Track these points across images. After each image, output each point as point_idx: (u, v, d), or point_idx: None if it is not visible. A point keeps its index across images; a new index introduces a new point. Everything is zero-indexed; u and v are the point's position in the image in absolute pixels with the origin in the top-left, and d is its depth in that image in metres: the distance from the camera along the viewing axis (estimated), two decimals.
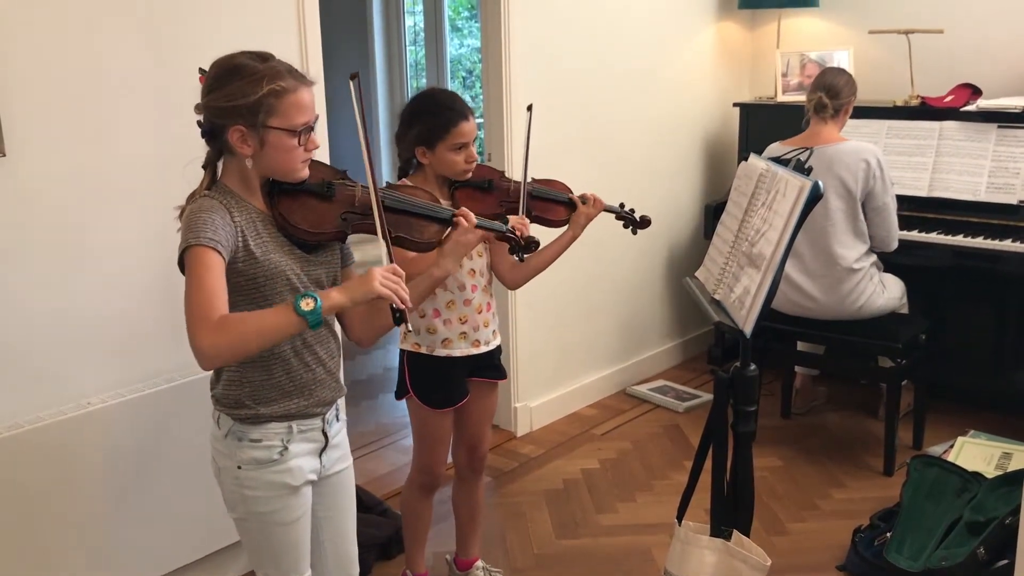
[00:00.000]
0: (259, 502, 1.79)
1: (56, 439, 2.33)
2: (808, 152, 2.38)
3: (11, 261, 2.30)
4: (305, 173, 1.77)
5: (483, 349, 2.50)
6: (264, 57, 1.71)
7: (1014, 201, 3.58)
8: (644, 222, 2.56)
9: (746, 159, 2.55)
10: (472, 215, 1.95)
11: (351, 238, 1.87)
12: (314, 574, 1.93)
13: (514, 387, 3.84)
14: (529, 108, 2.48)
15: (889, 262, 3.60)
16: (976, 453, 3.18)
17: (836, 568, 2.87)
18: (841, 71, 3.56)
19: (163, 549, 2.56)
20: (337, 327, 1.94)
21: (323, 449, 1.88)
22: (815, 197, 2.05)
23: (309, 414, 1.83)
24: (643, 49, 4.18)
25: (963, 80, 3.95)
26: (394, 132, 2.52)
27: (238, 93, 1.66)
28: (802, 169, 2.23)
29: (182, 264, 1.63)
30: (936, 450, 3.38)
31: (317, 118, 1.77)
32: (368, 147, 1.77)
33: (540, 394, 3.98)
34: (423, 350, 2.44)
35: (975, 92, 3.90)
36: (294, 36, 2.80)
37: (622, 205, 2.55)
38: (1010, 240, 3.53)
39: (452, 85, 6.67)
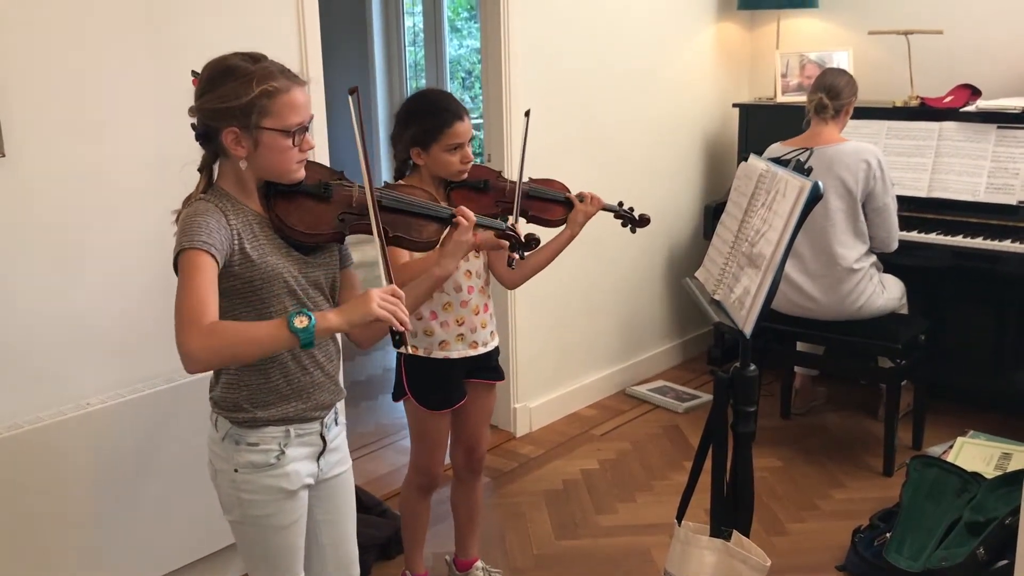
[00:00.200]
0: (255, 505, 1.78)
1: (55, 440, 2.33)
2: (808, 152, 2.38)
3: (10, 262, 2.30)
4: (301, 174, 1.76)
5: (481, 350, 2.49)
6: (256, 58, 1.71)
7: (1013, 202, 3.58)
8: (643, 220, 2.55)
9: (746, 160, 2.55)
10: (471, 214, 1.94)
11: (351, 239, 1.86)
12: None
13: (513, 387, 3.84)
14: (527, 113, 2.47)
15: (889, 262, 3.60)
16: (975, 453, 3.18)
17: (836, 568, 2.87)
18: (842, 72, 3.56)
19: (161, 550, 2.56)
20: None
21: (321, 453, 1.87)
22: (815, 198, 2.05)
23: (307, 418, 1.82)
24: (643, 50, 4.18)
25: (962, 81, 3.95)
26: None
27: (230, 95, 1.66)
28: (802, 170, 2.23)
29: (176, 267, 1.62)
30: (936, 450, 3.38)
31: (312, 118, 1.76)
32: (367, 161, 1.75)
33: (540, 394, 3.98)
34: (420, 352, 2.44)
35: (974, 93, 3.90)
36: (294, 37, 2.80)
37: (621, 204, 2.55)
38: (1009, 240, 3.53)
39: (451, 86, 6.68)
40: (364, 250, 2.45)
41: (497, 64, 3.58)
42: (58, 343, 2.40)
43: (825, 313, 3.49)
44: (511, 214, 2.35)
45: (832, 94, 3.43)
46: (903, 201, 3.58)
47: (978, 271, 3.67)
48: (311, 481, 1.85)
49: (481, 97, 3.77)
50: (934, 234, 3.68)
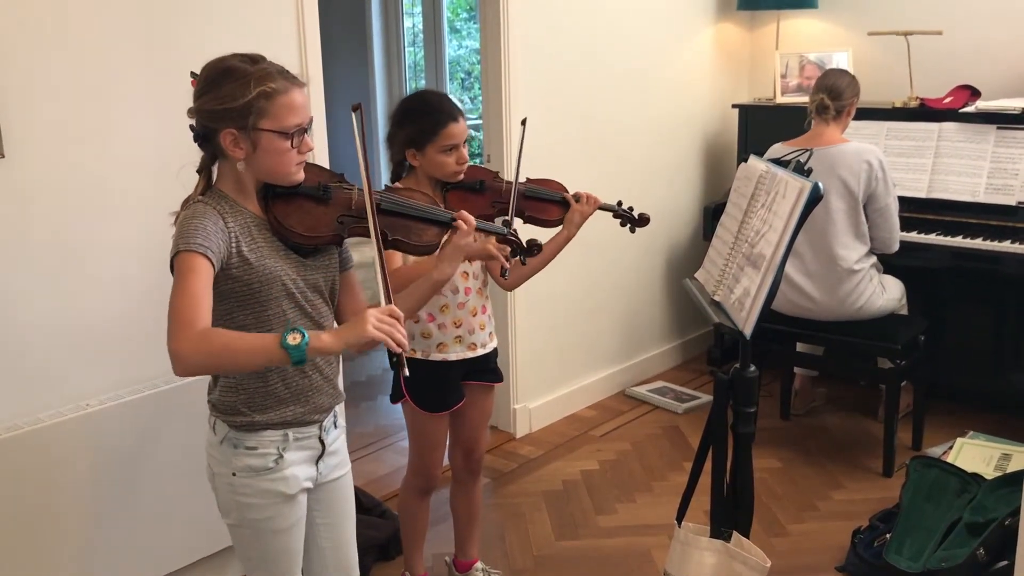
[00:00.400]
0: (253, 509, 1.78)
1: (55, 441, 2.33)
2: (808, 153, 2.38)
3: (10, 263, 2.30)
4: (300, 176, 1.76)
5: (479, 352, 2.49)
6: (255, 59, 1.70)
7: (1013, 202, 3.58)
8: (643, 220, 2.54)
9: (745, 160, 2.54)
10: (472, 218, 1.92)
11: (352, 239, 1.86)
12: None
13: (513, 388, 3.84)
14: (523, 122, 2.47)
15: (888, 263, 3.60)
16: (975, 454, 3.18)
17: (835, 569, 2.87)
18: (844, 72, 3.56)
19: (160, 551, 2.56)
20: None
21: (320, 456, 1.86)
22: (815, 198, 2.05)
23: (306, 421, 1.81)
24: (642, 50, 4.18)
25: (962, 81, 3.95)
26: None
27: (228, 96, 1.65)
28: (802, 170, 2.23)
29: (172, 269, 1.61)
30: (935, 451, 3.38)
31: (311, 120, 1.76)
32: (368, 175, 1.74)
33: (539, 395, 3.98)
34: (418, 355, 2.43)
35: (974, 93, 3.90)
36: (293, 38, 2.80)
37: (620, 203, 2.54)
38: (1009, 241, 3.53)
39: (451, 86, 6.67)
40: (363, 251, 2.45)
41: (496, 65, 3.58)
42: (57, 344, 2.40)
43: (825, 314, 3.49)
44: (506, 215, 2.34)
45: (834, 95, 3.42)
46: (902, 202, 3.58)
47: (978, 272, 3.67)
48: (310, 485, 1.85)
49: (480, 98, 3.76)
50: (934, 235, 3.68)
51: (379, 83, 6.55)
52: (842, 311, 3.46)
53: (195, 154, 1.77)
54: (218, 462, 1.79)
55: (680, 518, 2.45)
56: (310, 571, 1.94)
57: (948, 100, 3.92)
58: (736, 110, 4.47)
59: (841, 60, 4.29)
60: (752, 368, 2.27)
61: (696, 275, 2.62)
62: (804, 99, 4.27)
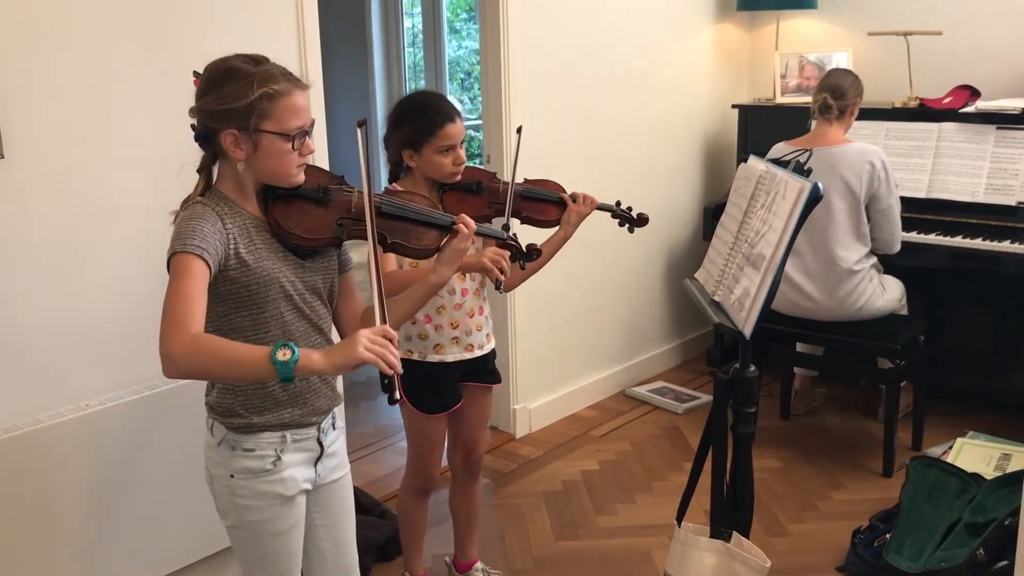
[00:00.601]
0: (251, 511, 1.77)
1: (54, 441, 2.33)
2: (808, 153, 2.38)
3: (10, 263, 2.30)
4: (300, 178, 1.75)
5: (476, 353, 2.49)
6: (258, 60, 1.70)
7: (1013, 202, 3.58)
8: (641, 220, 2.53)
9: (745, 161, 2.54)
10: (472, 222, 1.91)
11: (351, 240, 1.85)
12: None
13: (513, 388, 3.84)
14: (519, 130, 2.47)
15: (888, 263, 3.60)
16: (975, 454, 3.18)
17: (836, 569, 2.87)
18: (847, 72, 3.54)
19: (159, 552, 2.56)
20: (334, 334, 1.92)
21: (318, 458, 1.86)
22: (815, 198, 2.05)
23: (304, 423, 1.81)
24: (642, 50, 4.18)
25: (961, 81, 3.95)
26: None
27: (231, 96, 1.65)
28: (801, 170, 2.23)
29: (169, 271, 1.61)
30: (935, 451, 3.38)
31: (313, 122, 1.75)
32: (370, 197, 1.73)
33: (539, 395, 3.98)
34: (415, 356, 2.43)
35: (973, 93, 3.90)
36: (293, 38, 2.80)
37: (618, 203, 2.53)
38: (1008, 241, 3.53)
39: (450, 87, 6.67)
40: (362, 251, 2.45)
41: (496, 65, 3.58)
42: (57, 345, 2.40)
43: (825, 314, 3.48)
44: (502, 216, 2.34)
45: (837, 94, 3.41)
46: (902, 202, 3.58)
47: (977, 272, 3.67)
48: (308, 486, 1.84)
49: (480, 98, 3.76)
50: (933, 235, 3.68)
51: (379, 83, 6.55)
52: (842, 311, 3.46)
53: (195, 154, 1.77)
54: (216, 464, 1.79)
55: (680, 518, 2.45)
56: (310, 573, 1.94)
57: (948, 100, 3.92)
58: (736, 110, 4.47)
59: (841, 60, 4.29)
60: (752, 368, 2.27)
61: (696, 275, 2.62)
62: (804, 99, 4.29)
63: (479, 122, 3.83)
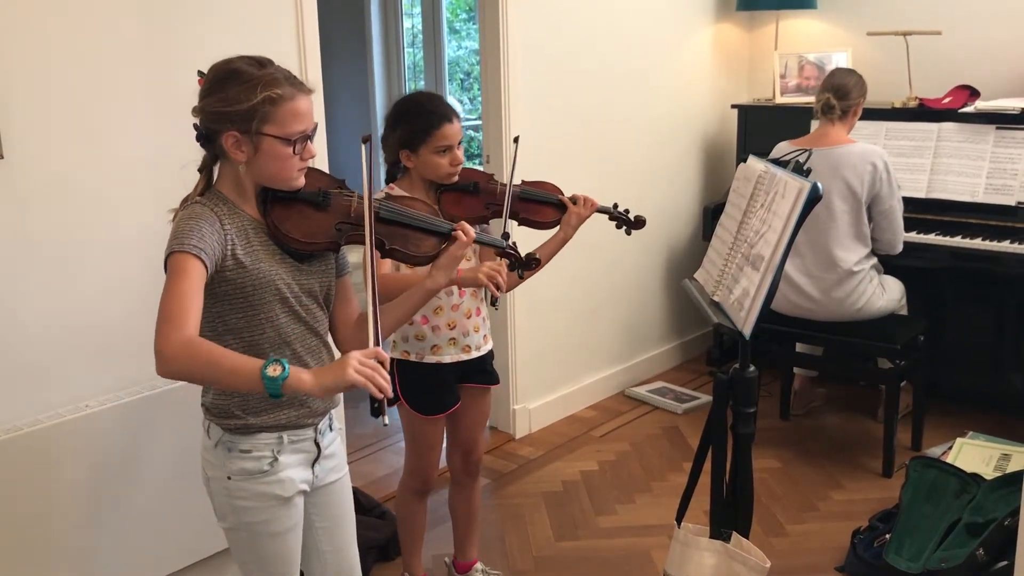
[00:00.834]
0: (249, 512, 1.77)
1: (53, 442, 2.33)
2: (807, 153, 2.38)
3: (10, 263, 2.30)
4: (300, 182, 1.75)
5: (474, 354, 2.49)
6: (262, 63, 1.69)
7: (1012, 202, 3.58)
8: (638, 222, 2.53)
9: (744, 161, 2.54)
10: (471, 230, 1.91)
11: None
12: None
13: (513, 389, 3.84)
14: (516, 139, 2.47)
15: (887, 263, 3.60)
16: (975, 454, 3.18)
17: (835, 570, 2.87)
18: (850, 71, 3.52)
19: (159, 552, 2.56)
20: (330, 338, 1.92)
21: (316, 459, 1.85)
22: (814, 198, 2.05)
23: (301, 425, 1.80)
24: (641, 51, 4.18)
25: (961, 81, 3.95)
26: None
27: (233, 98, 1.65)
28: (801, 170, 2.23)
29: (167, 270, 1.61)
30: (935, 451, 3.38)
31: (316, 127, 1.75)
32: (371, 208, 1.73)
33: (539, 396, 3.98)
34: (412, 357, 2.43)
35: (973, 93, 3.90)
36: (292, 38, 2.80)
37: (615, 206, 2.53)
38: (1008, 241, 3.53)
39: (450, 87, 6.67)
40: (360, 254, 2.45)
41: (496, 65, 3.58)
42: (56, 346, 2.40)
43: (824, 314, 3.48)
44: (500, 217, 2.34)
45: (840, 94, 3.40)
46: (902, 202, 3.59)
47: (977, 272, 3.67)
48: (306, 488, 1.84)
49: (480, 99, 3.76)
50: (933, 235, 3.68)
51: (378, 84, 6.54)
52: (842, 312, 3.46)
53: (195, 153, 1.77)
54: (213, 466, 1.79)
55: (680, 519, 2.45)
56: (311, 575, 1.94)
57: (947, 100, 3.92)
58: (735, 110, 4.46)
59: (840, 60, 4.29)
60: (751, 368, 2.26)
61: (695, 275, 2.62)
62: (803, 99, 4.30)
63: (479, 122, 3.83)
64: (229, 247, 1.67)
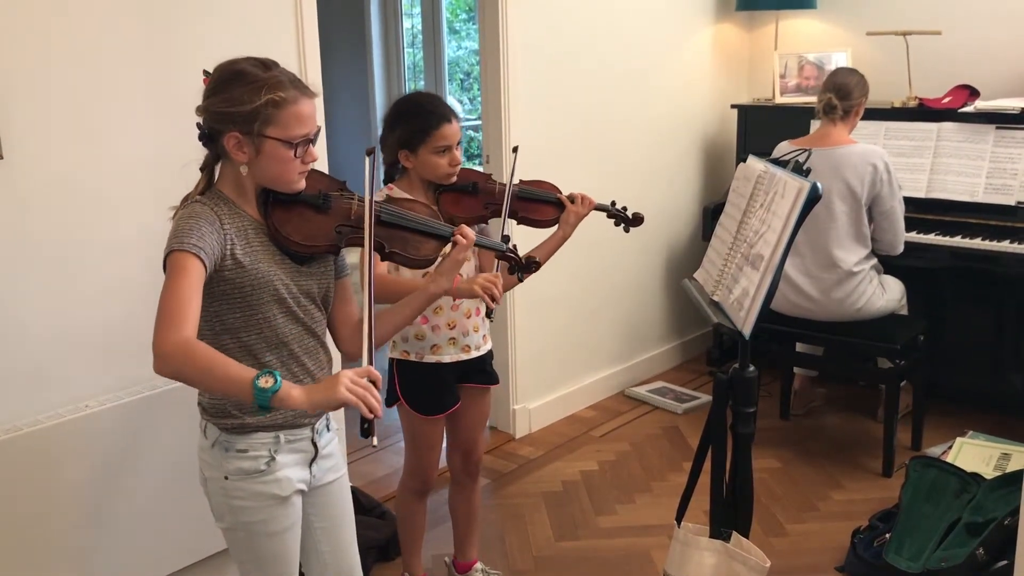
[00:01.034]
0: (246, 512, 1.77)
1: (53, 442, 2.33)
2: (807, 153, 2.38)
3: (10, 263, 2.30)
4: (301, 185, 1.75)
5: (473, 354, 2.49)
6: (267, 65, 1.69)
7: (1012, 202, 3.58)
8: (636, 219, 2.54)
9: (744, 161, 2.54)
10: (472, 233, 1.91)
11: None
12: None
13: (513, 389, 3.84)
14: (515, 150, 2.46)
15: (887, 263, 3.60)
16: (975, 454, 3.18)
17: (835, 569, 2.87)
18: (852, 71, 3.51)
19: (159, 552, 2.56)
20: (329, 338, 1.92)
21: (313, 459, 1.85)
22: (813, 198, 2.05)
23: (297, 424, 1.80)
24: (641, 51, 4.18)
25: (961, 81, 3.95)
26: None
27: (237, 100, 1.65)
28: (800, 170, 2.23)
29: (166, 268, 1.61)
30: (935, 451, 3.38)
31: (319, 130, 1.75)
32: (371, 219, 1.73)
33: (539, 396, 3.98)
34: (412, 357, 2.43)
35: (973, 93, 3.90)
36: (292, 38, 2.80)
37: (613, 203, 2.54)
38: (1008, 241, 3.53)
39: (450, 87, 6.67)
40: (358, 252, 2.45)
41: (495, 65, 3.58)
42: (56, 346, 2.40)
43: (824, 314, 3.48)
44: (499, 216, 2.34)
45: (842, 94, 3.40)
46: None
47: (977, 272, 3.67)
48: (303, 487, 1.84)
49: (480, 99, 3.76)
50: (933, 235, 3.68)
51: (378, 84, 6.55)
52: (842, 312, 3.46)
53: (195, 153, 1.77)
54: (210, 466, 1.78)
55: (680, 518, 2.45)
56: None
57: (947, 100, 3.92)
58: (735, 110, 4.47)
59: (840, 60, 4.29)
60: (751, 368, 2.27)
61: (695, 275, 2.62)
62: (803, 99, 4.30)
63: (479, 123, 3.84)
64: (228, 247, 1.67)
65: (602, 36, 3.97)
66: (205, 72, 1.73)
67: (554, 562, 2.97)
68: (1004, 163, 3.63)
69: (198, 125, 1.72)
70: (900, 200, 3.44)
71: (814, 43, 4.52)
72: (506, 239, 2.17)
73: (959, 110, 3.80)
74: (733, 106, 4.51)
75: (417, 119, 2.31)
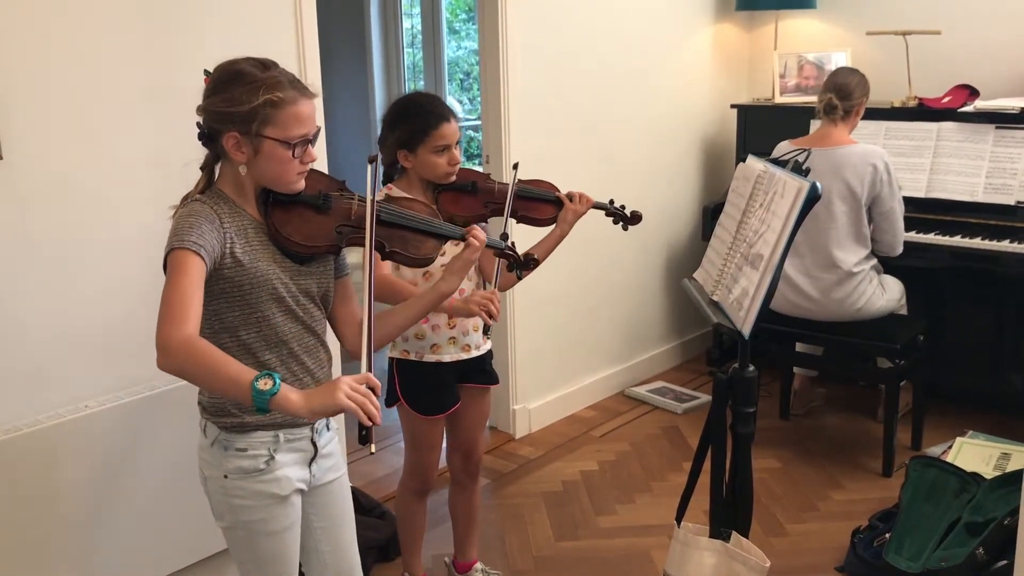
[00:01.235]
0: (246, 511, 1.77)
1: (53, 442, 2.33)
2: (806, 153, 2.38)
3: (10, 263, 2.30)
4: (301, 185, 1.75)
5: (474, 354, 2.49)
6: (267, 65, 1.70)
7: (1011, 202, 3.58)
8: (635, 217, 2.55)
9: (744, 160, 2.54)
10: (483, 235, 1.93)
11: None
12: None
13: (513, 389, 3.84)
14: (515, 167, 2.45)
15: (887, 263, 3.60)
16: (975, 454, 3.18)
17: (835, 569, 2.87)
18: (853, 71, 3.50)
19: (159, 552, 2.56)
20: (330, 336, 1.92)
21: (312, 458, 1.85)
22: (813, 198, 2.05)
23: (297, 423, 1.79)
24: (641, 51, 4.18)
25: (960, 81, 3.95)
26: None
27: (235, 100, 1.65)
28: (799, 170, 2.23)
29: (166, 266, 1.61)
30: (935, 451, 3.38)
31: (318, 131, 1.75)
32: (372, 228, 1.74)
33: (539, 396, 3.98)
34: (412, 356, 2.44)
35: (972, 93, 3.90)
36: (291, 38, 2.80)
37: (611, 201, 2.55)
38: (1008, 241, 3.53)
39: (450, 87, 6.67)
40: (359, 252, 2.45)
41: (495, 65, 3.58)
42: (56, 346, 2.40)
43: (824, 314, 3.48)
44: (499, 215, 2.35)
45: (843, 94, 3.39)
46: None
47: (976, 271, 3.67)
48: (303, 487, 1.84)
49: (480, 99, 3.76)
50: (932, 234, 3.68)
51: (378, 84, 6.55)
52: (841, 312, 3.46)
53: (195, 154, 1.77)
54: (209, 465, 1.79)
55: (679, 518, 2.45)
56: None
57: (947, 100, 3.92)
58: (735, 110, 4.47)
59: (839, 60, 4.29)
60: (751, 368, 2.27)
61: (695, 275, 2.62)
62: (803, 99, 4.30)
63: (478, 123, 3.84)
64: (228, 245, 1.67)
65: (602, 36, 3.97)
66: (206, 72, 1.73)
67: (554, 562, 2.97)
68: (1004, 163, 3.63)
69: (198, 125, 1.72)
70: (900, 201, 3.44)
71: (814, 43, 4.52)
72: (504, 237, 2.18)
73: (959, 110, 3.81)
74: (733, 106, 4.51)
75: (416, 119, 2.31)
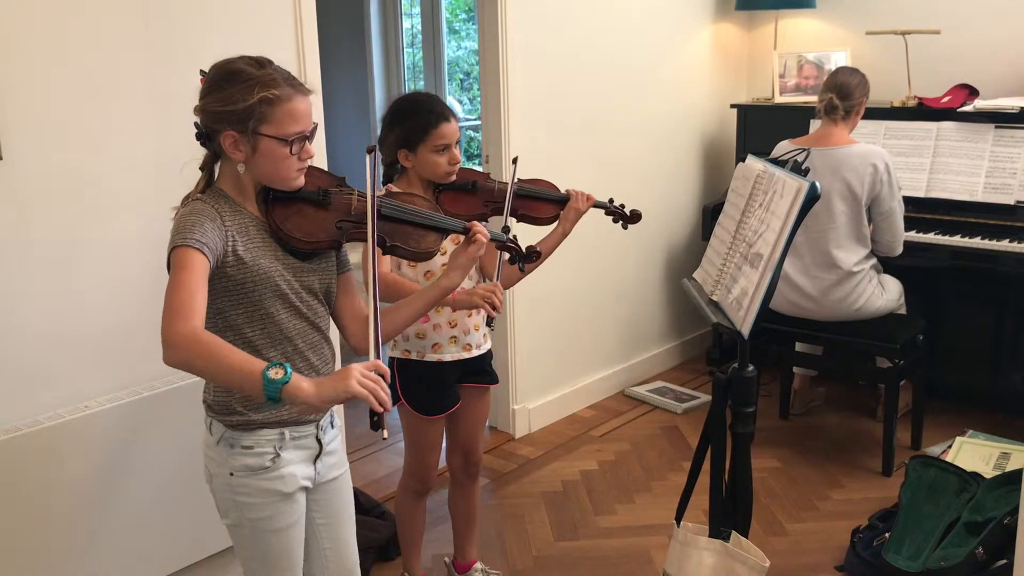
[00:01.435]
0: (252, 508, 1.78)
1: (54, 442, 2.33)
2: (806, 153, 2.38)
3: (10, 264, 2.30)
4: (300, 182, 1.76)
5: (474, 353, 2.49)
6: (262, 63, 1.70)
7: (1011, 201, 3.58)
8: (635, 216, 2.56)
9: (743, 160, 2.55)
10: (485, 230, 1.93)
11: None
12: None
13: (512, 389, 3.84)
14: (514, 161, 2.47)
15: (886, 263, 3.60)
16: (974, 453, 3.18)
17: (835, 569, 2.87)
18: (854, 71, 3.49)
19: (160, 552, 2.56)
20: (334, 333, 1.92)
21: (317, 456, 1.86)
22: (812, 198, 2.05)
23: (302, 421, 1.80)
24: (640, 50, 4.18)
25: (960, 80, 3.95)
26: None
27: (231, 98, 1.65)
28: (799, 170, 2.23)
29: (170, 264, 1.61)
30: (934, 450, 3.38)
31: (315, 127, 1.75)
32: (373, 224, 1.74)
33: (538, 395, 3.98)
34: (413, 356, 2.44)
35: (972, 92, 3.90)
36: (291, 38, 2.80)
37: (611, 200, 2.56)
38: (1007, 240, 3.53)
39: (450, 87, 6.67)
40: (360, 249, 2.45)
41: (495, 65, 3.58)
42: (56, 346, 2.40)
43: (824, 314, 3.49)
44: (500, 215, 2.35)
45: (843, 94, 3.39)
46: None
47: (976, 271, 3.67)
48: (308, 484, 1.84)
49: (480, 99, 3.76)
50: (932, 234, 3.68)
51: (378, 84, 6.55)
52: (841, 311, 3.46)
53: (194, 153, 1.77)
54: (215, 463, 1.79)
55: (679, 518, 2.45)
56: (311, 573, 1.94)
57: (946, 99, 3.92)
58: (735, 110, 4.47)
59: (839, 60, 4.29)
60: (751, 368, 2.27)
61: (694, 275, 2.62)
62: (803, 99, 4.30)
63: (478, 123, 3.84)
64: (230, 243, 1.68)
65: (602, 36, 3.97)
66: (202, 72, 1.74)
67: (554, 562, 2.97)
68: (1003, 162, 3.63)
69: (196, 125, 1.73)
70: (900, 201, 3.44)
71: (813, 43, 4.52)
72: (506, 230, 2.18)
73: (958, 109, 3.81)
74: (732, 106, 4.51)
75: (416, 118, 2.31)
